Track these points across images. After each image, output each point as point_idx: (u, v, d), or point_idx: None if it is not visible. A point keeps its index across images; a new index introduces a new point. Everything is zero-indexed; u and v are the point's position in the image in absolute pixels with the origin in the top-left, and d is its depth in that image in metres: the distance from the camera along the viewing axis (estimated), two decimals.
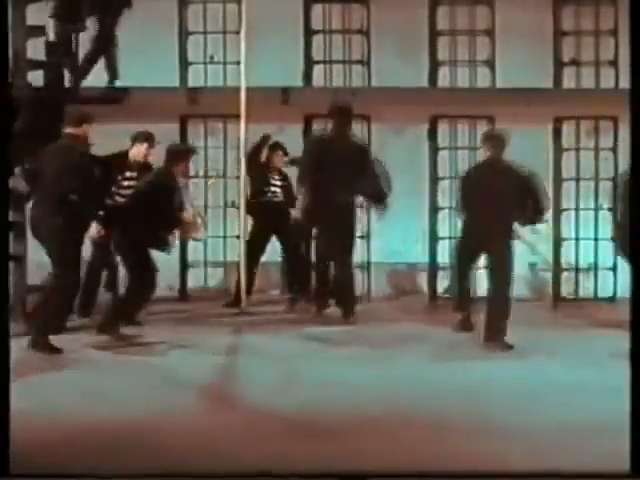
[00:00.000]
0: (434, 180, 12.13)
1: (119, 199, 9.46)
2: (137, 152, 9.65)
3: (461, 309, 9.32)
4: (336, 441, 5.33)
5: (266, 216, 10.87)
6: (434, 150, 12.16)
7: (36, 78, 10.28)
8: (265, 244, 10.96)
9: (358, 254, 11.06)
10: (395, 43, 11.85)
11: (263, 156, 11.04)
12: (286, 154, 11.00)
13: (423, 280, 12.24)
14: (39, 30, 10.36)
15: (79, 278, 8.41)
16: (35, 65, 10.26)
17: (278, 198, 11.02)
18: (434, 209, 12.12)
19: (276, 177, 11.07)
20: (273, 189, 11.04)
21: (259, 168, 10.93)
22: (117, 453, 4.76)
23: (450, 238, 11.62)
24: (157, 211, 8.57)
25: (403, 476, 4.67)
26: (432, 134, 12.16)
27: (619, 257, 10.03)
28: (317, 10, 12.15)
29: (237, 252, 10.87)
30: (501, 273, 8.58)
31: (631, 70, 4.73)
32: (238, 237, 10.95)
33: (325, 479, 4.65)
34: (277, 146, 11.07)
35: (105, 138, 10.45)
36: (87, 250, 9.23)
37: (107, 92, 10.88)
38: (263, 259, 11.03)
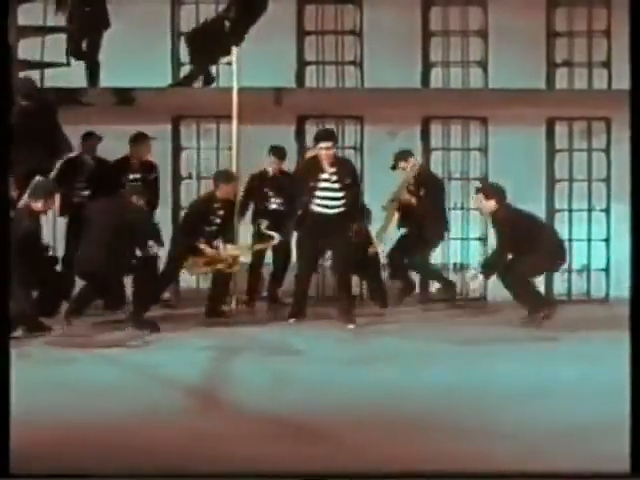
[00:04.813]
0: None
1: None
2: None
3: None
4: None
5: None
6: (427, 151, 12.14)
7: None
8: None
9: None
10: (388, 44, 11.83)
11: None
12: (284, 158, 10.83)
13: None
14: (32, 30, 10.38)
15: None
16: (30, 65, 10.25)
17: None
18: None
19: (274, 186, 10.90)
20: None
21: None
22: (116, 453, 4.75)
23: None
24: None
25: (402, 476, 4.66)
26: (425, 135, 12.14)
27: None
28: (310, 11, 12.13)
29: None
30: None
31: (631, 70, 4.73)
32: None
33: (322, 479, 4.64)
34: (274, 150, 10.91)
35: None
36: None
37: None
38: None
